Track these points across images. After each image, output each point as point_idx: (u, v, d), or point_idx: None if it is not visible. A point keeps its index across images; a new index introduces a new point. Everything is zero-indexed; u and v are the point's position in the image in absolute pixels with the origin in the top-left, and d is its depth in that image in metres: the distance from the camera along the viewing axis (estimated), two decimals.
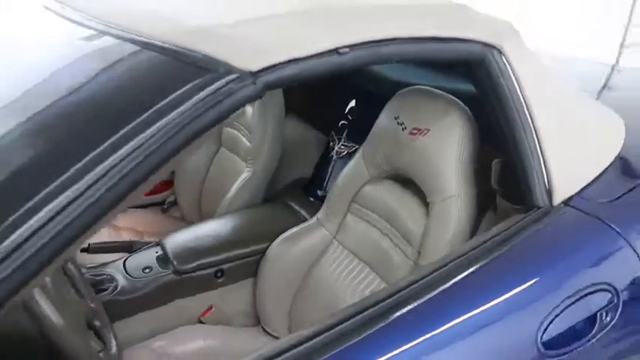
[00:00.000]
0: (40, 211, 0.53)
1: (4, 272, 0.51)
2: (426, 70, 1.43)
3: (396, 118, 1.16)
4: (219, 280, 1.35)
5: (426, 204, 1.11)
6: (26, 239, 0.52)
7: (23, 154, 0.61)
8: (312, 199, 1.58)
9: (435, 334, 0.74)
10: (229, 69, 0.62)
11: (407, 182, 1.18)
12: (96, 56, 0.74)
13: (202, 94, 0.59)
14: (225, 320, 1.36)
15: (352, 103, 1.64)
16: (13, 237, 0.52)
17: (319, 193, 1.57)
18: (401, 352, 0.72)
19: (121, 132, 0.57)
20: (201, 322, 1.33)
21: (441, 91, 1.13)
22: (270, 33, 0.70)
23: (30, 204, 0.53)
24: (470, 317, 0.76)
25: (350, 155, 1.52)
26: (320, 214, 1.35)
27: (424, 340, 0.74)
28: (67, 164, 0.56)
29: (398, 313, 0.75)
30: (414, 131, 1.11)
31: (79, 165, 0.56)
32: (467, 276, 0.80)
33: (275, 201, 1.61)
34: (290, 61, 0.65)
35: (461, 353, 0.76)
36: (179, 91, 0.59)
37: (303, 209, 1.52)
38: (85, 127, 0.62)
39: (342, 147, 1.55)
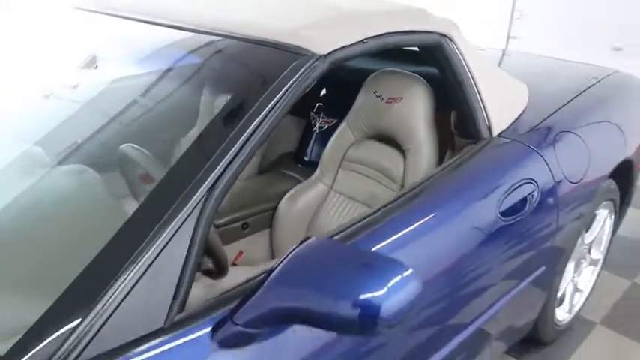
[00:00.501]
0: (227, 154, 0.86)
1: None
2: (374, 60, 1.88)
3: (374, 92, 1.59)
4: (245, 231, 1.70)
5: (402, 152, 1.55)
6: (223, 172, 0.84)
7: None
8: (300, 165, 1.97)
9: (423, 222, 1.13)
10: (312, 54, 1.00)
11: (385, 139, 1.61)
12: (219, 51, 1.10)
13: (301, 70, 0.97)
14: (252, 263, 1.71)
15: (324, 90, 2.06)
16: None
17: (305, 159, 1.97)
18: (407, 232, 1.11)
19: (261, 98, 0.92)
20: (234, 264, 1.68)
21: (404, 70, 1.58)
22: (327, 32, 1.09)
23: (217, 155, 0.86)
24: (451, 206, 1.20)
25: (330, 128, 1.93)
26: (316, 174, 1.75)
27: (417, 226, 1.12)
28: (229, 128, 0.90)
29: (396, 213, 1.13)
30: (390, 100, 1.54)
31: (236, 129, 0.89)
32: (444, 182, 1.24)
33: (271, 171, 1.98)
34: (342, 48, 1.06)
35: (444, 230, 1.18)
36: (287, 69, 0.96)
37: (296, 174, 1.91)
38: (235, 102, 0.97)
39: (323, 122, 1.96)
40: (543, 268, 1.43)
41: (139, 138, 1.09)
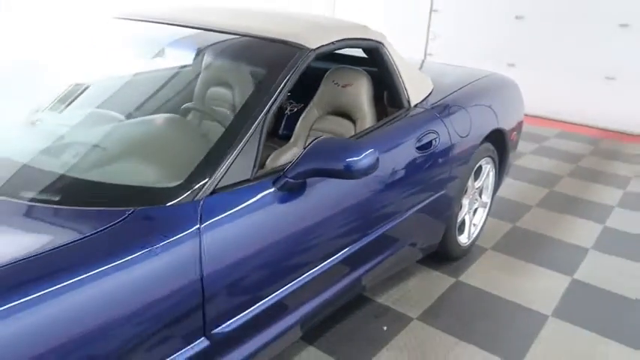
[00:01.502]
0: (270, 101, 1.56)
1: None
2: (326, 62, 2.63)
3: (333, 81, 2.33)
4: None
5: (353, 121, 2.30)
6: (268, 111, 1.54)
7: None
8: (276, 138, 2.68)
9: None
10: (307, 47, 1.73)
11: (340, 113, 2.34)
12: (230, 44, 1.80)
13: (302, 56, 1.69)
14: None
15: None
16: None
17: (280, 133, 2.68)
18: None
19: (282, 73, 1.63)
20: None
21: (353, 67, 2.34)
22: (312, 35, 1.82)
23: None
24: (385, 144, 1.95)
25: (298, 110, 2.66)
26: (291, 141, 2.44)
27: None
28: (267, 87, 1.60)
29: None
30: (345, 85, 2.29)
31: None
32: (382, 131, 1.99)
33: None
34: (322, 45, 1.79)
35: (382, 156, 1.93)
36: (294, 55, 1.68)
37: (274, 144, 2.60)
38: (266, 73, 1.67)
39: (293, 107, 2.68)
40: (443, 191, 2.24)
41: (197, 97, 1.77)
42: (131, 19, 2.10)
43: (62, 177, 1.34)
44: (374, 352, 1.97)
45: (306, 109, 2.43)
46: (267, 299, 1.44)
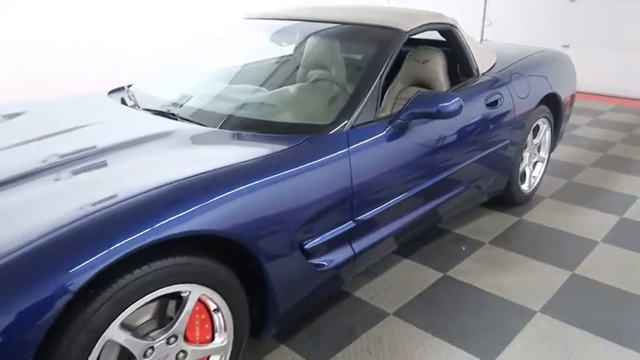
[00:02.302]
0: (379, 72, 2.20)
1: None
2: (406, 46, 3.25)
3: (414, 59, 2.93)
4: None
5: (431, 90, 2.91)
6: (379, 82, 2.19)
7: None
8: None
9: None
10: (403, 31, 2.35)
11: (420, 84, 2.95)
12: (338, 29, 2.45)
13: (400, 37, 2.32)
14: None
15: None
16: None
17: None
18: None
19: (387, 50, 2.26)
20: None
21: (430, 47, 2.93)
22: (403, 22, 2.45)
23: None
24: (464, 99, 2.55)
25: (383, 85, 3.28)
26: (380, 108, 3.08)
27: None
28: (382, 60, 2.25)
29: None
30: (425, 61, 2.88)
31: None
32: (459, 91, 2.60)
33: None
34: (412, 30, 2.41)
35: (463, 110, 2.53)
36: (397, 36, 2.31)
37: None
38: (377, 52, 2.31)
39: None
40: (508, 140, 2.80)
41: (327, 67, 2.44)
42: (256, 18, 2.80)
43: (264, 121, 2.04)
44: (458, 262, 2.57)
45: (392, 84, 3.05)
46: (386, 204, 2.08)
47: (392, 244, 2.27)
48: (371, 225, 2.03)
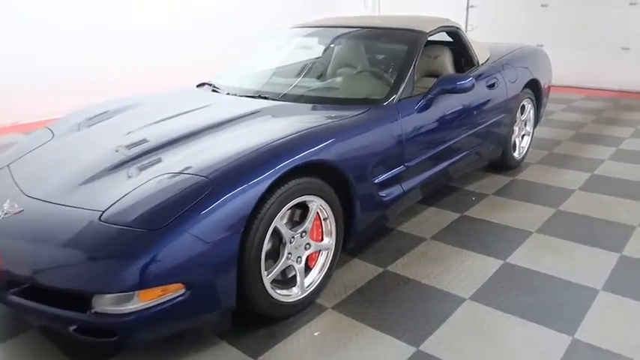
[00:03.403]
0: (411, 65, 3.01)
1: None
2: None
3: (427, 55, 3.74)
4: None
5: None
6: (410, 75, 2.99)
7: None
8: None
9: None
10: (424, 33, 3.17)
11: (431, 75, 3.77)
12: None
13: (422, 37, 3.13)
14: None
15: None
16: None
17: None
18: None
19: (412, 49, 3.07)
20: None
21: (439, 45, 3.75)
22: (422, 25, 3.26)
23: None
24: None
25: None
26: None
27: None
28: (412, 53, 3.05)
29: None
30: (435, 56, 3.70)
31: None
32: None
33: None
34: (430, 32, 3.22)
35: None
36: (421, 38, 3.12)
37: None
38: (404, 50, 3.11)
39: None
40: (503, 115, 3.63)
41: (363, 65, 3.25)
42: (303, 27, 3.60)
43: (338, 98, 2.82)
44: (468, 208, 3.38)
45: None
46: (422, 156, 2.86)
47: (419, 194, 3.06)
48: (413, 171, 2.82)
